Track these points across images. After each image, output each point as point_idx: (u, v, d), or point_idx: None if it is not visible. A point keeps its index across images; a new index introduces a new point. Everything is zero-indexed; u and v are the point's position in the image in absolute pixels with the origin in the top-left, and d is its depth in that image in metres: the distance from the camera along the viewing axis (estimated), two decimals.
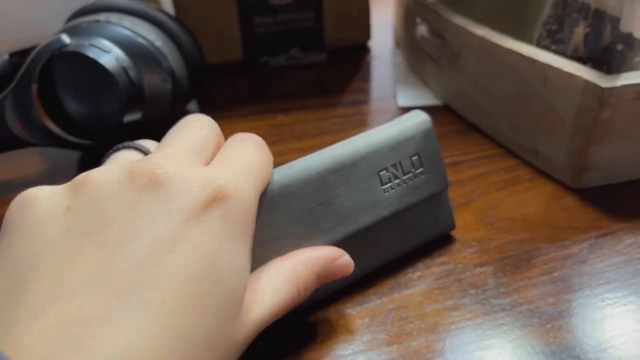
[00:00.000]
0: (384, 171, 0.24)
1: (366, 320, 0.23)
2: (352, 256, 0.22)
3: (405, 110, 0.40)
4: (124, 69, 0.32)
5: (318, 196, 0.22)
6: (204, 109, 0.42)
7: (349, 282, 0.24)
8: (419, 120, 0.25)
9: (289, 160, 0.23)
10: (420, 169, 0.25)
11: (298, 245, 0.22)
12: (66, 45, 0.32)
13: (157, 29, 0.36)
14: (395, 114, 0.40)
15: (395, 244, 0.26)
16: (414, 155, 0.25)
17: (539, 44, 0.32)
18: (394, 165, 0.24)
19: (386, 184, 0.24)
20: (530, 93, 0.31)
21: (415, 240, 0.26)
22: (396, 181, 0.24)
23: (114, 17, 0.34)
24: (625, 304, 0.24)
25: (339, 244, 0.23)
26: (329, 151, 0.23)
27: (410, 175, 0.25)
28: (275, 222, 0.22)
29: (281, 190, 0.22)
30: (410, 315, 0.24)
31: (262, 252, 0.21)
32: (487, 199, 0.30)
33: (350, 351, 0.22)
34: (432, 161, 0.25)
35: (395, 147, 0.24)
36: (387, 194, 0.24)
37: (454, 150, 0.35)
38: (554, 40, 0.31)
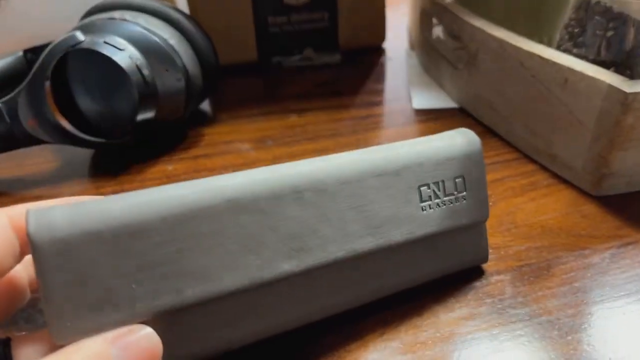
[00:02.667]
0: (425, 187, 0.22)
1: (380, 328, 0.23)
2: (375, 270, 0.21)
3: (420, 112, 0.40)
4: (138, 67, 0.32)
5: (353, 199, 0.21)
6: (217, 109, 0.42)
7: (370, 300, 0.23)
8: (468, 139, 0.24)
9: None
10: (463, 193, 0.23)
11: (322, 247, 0.20)
12: (80, 42, 0.32)
13: (172, 27, 0.35)
14: (409, 116, 0.39)
15: (423, 267, 0.24)
16: (458, 177, 0.23)
17: (559, 47, 0.31)
18: (436, 183, 0.22)
19: (425, 201, 0.22)
20: (549, 97, 0.30)
21: (444, 268, 0.24)
22: (436, 200, 0.22)
23: (128, 15, 0.34)
24: None
25: (365, 254, 0.21)
26: (371, 153, 0.22)
27: (451, 197, 0.23)
28: (301, 217, 0.20)
29: (313, 185, 0.20)
30: (425, 323, 0.23)
31: (278, 247, 0.19)
32: (504, 205, 0.30)
33: (363, 359, 0.22)
34: (477, 187, 0.23)
35: (442, 163, 0.22)
36: (424, 212, 0.22)
37: None
38: (575, 44, 0.30)
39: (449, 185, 0.23)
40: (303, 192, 0.20)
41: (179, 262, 0.18)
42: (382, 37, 0.51)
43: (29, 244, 0.16)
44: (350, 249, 0.21)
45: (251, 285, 0.19)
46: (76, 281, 0.16)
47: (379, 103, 0.42)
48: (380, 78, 0.46)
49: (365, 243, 0.21)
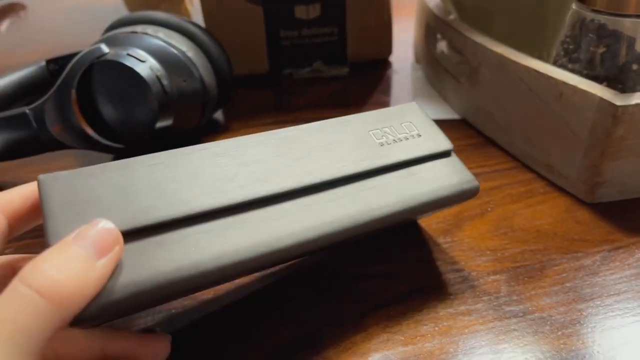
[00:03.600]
0: (377, 131, 0.26)
1: (383, 321, 0.25)
2: (357, 196, 0.23)
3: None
4: (158, 78, 0.34)
5: (318, 143, 0.24)
6: (230, 118, 0.44)
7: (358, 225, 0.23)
8: (405, 103, 0.28)
9: None
10: (415, 131, 0.26)
11: (297, 176, 0.23)
12: (105, 54, 0.34)
13: (190, 41, 0.38)
14: None
15: (405, 192, 0.24)
16: (404, 122, 0.27)
17: (556, 62, 0.33)
18: (385, 127, 0.26)
19: (380, 139, 0.25)
20: (545, 109, 0.32)
21: (430, 193, 0.25)
22: (391, 137, 0.26)
23: (150, 29, 0.36)
24: (634, 315, 0.24)
25: (340, 180, 0.23)
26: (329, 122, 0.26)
27: (405, 134, 0.26)
28: (272, 156, 0.23)
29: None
30: (425, 318, 0.25)
31: (256, 176, 0.22)
32: (502, 211, 0.31)
33: (367, 350, 0.23)
34: (426, 126, 0.27)
35: (385, 114, 0.27)
36: (383, 147, 0.25)
37: (470, 163, 0.36)
38: (570, 59, 0.32)
39: (399, 127, 0.26)
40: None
41: (160, 188, 0.21)
42: (388, 50, 0.53)
43: (16, 221, 0.21)
44: (322, 176, 0.23)
45: (225, 205, 0.21)
46: (70, 205, 0.19)
47: None
48: (387, 90, 0.48)
49: (336, 170, 0.23)
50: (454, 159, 0.27)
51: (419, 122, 0.27)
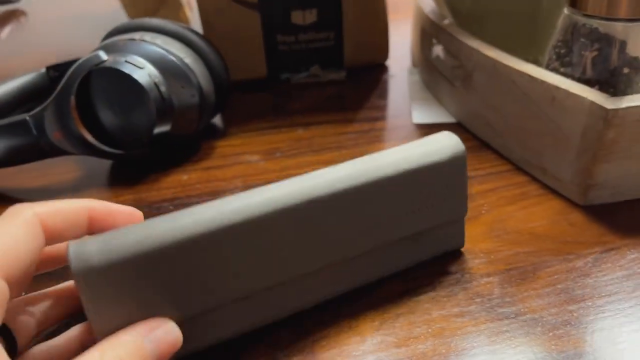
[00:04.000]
0: (415, 196, 0.25)
1: (376, 323, 0.25)
2: (367, 264, 0.25)
3: (420, 127, 0.42)
4: (156, 84, 0.35)
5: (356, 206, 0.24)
6: (228, 123, 0.44)
7: (362, 284, 0.26)
8: (452, 144, 0.26)
9: (307, 172, 0.24)
10: (447, 196, 0.26)
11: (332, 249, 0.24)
12: (104, 61, 0.34)
13: (187, 47, 0.38)
14: (410, 130, 0.42)
15: (407, 257, 0.27)
16: (444, 185, 0.25)
17: (548, 67, 0.33)
18: (425, 193, 0.25)
19: (413, 205, 0.25)
20: (538, 113, 0.32)
21: (425, 256, 0.28)
22: (424, 205, 0.25)
23: (148, 36, 0.37)
24: (625, 316, 0.25)
25: (365, 251, 0.25)
26: (372, 161, 0.24)
27: (437, 199, 0.26)
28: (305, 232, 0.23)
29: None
30: (418, 320, 0.25)
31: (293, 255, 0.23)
32: (496, 213, 0.32)
33: (360, 352, 0.24)
34: (459, 187, 0.26)
35: (429, 168, 0.25)
36: (414, 214, 0.25)
37: None
38: (562, 63, 0.33)
39: (437, 192, 0.25)
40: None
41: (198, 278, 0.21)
42: (385, 55, 0.53)
43: (52, 239, 0.20)
44: (353, 248, 0.24)
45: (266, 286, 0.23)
46: (113, 301, 0.19)
47: (382, 118, 0.45)
48: (383, 94, 0.49)
49: (366, 242, 0.24)
50: (461, 221, 0.28)
51: (454, 185, 0.26)
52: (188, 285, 0.21)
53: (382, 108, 0.46)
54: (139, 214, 0.23)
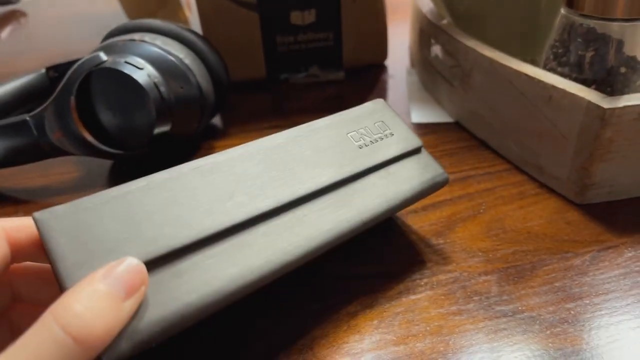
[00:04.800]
0: (354, 132, 0.27)
1: (375, 322, 0.25)
2: (345, 201, 0.25)
3: (418, 126, 0.42)
4: (155, 85, 0.35)
5: (303, 148, 0.26)
6: (228, 123, 0.45)
7: (357, 231, 0.25)
8: (374, 101, 0.30)
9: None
10: (387, 131, 0.28)
11: (291, 187, 0.24)
12: (103, 61, 0.34)
13: (187, 48, 0.38)
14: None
15: (388, 191, 0.26)
16: (377, 122, 0.29)
17: (545, 66, 0.34)
18: (361, 129, 0.28)
19: (358, 141, 0.27)
20: (535, 112, 0.32)
21: (407, 190, 0.27)
22: (368, 139, 0.28)
23: (147, 37, 0.37)
24: (622, 314, 0.25)
25: (330, 187, 0.25)
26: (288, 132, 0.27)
27: (380, 135, 0.28)
28: (263, 169, 0.24)
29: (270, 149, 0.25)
30: (417, 318, 0.25)
31: (250, 192, 0.23)
32: (494, 212, 0.32)
33: (359, 350, 0.24)
34: (396, 125, 0.29)
35: (360, 116, 0.29)
36: (362, 149, 0.27)
37: (464, 166, 0.36)
38: (560, 63, 0.33)
39: (373, 128, 0.28)
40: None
41: (164, 214, 0.21)
42: (384, 55, 0.53)
43: (18, 254, 0.20)
44: (313, 185, 0.24)
45: (231, 225, 0.22)
46: (77, 243, 0.19)
47: None
48: (382, 94, 0.49)
49: (326, 178, 0.25)
50: (424, 154, 0.29)
51: (389, 121, 0.29)
52: (152, 221, 0.20)
53: None
54: None
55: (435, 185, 0.28)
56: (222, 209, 0.22)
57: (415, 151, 0.28)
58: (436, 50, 0.44)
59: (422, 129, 0.42)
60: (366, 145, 0.27)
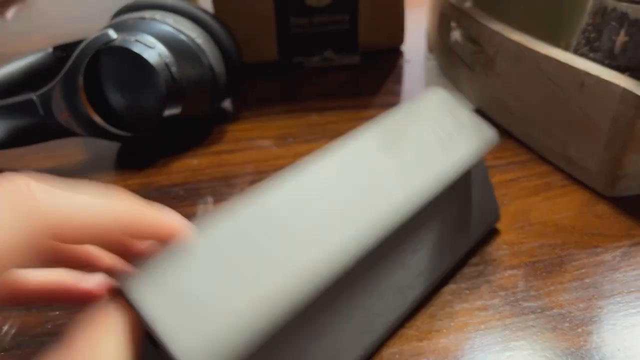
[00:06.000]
0: (433, 131, 0.24)
1: None
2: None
3: None
4: (166, 65, 0.33)
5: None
6: (240, 107, 0.43)
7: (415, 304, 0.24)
8: (434, 92, 0.25)
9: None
10: (459, 123, 0.25)
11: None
12: (113, 40, 0.33)
13: (199, 27, 0.37)
14: None
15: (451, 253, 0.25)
16: (449, 116, 0.24)
17: (576, 52, 0.32)
18: (438, 128, 0.24)
19: (439, 142, 0.23)
20: (565, 99, 0.31)
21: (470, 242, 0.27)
22: (446, 138, 0.24)
23: (158, 15, 0.36)
24: None
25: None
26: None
27: (454, 131, 0.24)
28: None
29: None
30: (440, 313, 0.24)
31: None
32: (519, 204, 0.30)
33: (383, 346, 0.23)
34: (467, 118, 0.25)
35: (429, 109, 0.25)
36: (444, 151, 0.23)
37: (486, 155, 0.35)
38: (592, 48, 0.31)
39: (448, 124, 0.24)
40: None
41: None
42: (400, 39, 0.51)
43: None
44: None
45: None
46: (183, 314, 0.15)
47: (397, 103, 0.43)
48: (399, 80, 0.47)
49: (417, 192, 0.21)
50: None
51: (459, 113, 0.25)
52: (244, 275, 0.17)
53: (397, 93, 0.45)
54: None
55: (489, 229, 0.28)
56: (317, 247, 0.18)
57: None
58: (457, 34, 0.42)
59: None
60: (446, 146, 0.23)
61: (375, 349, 0.22)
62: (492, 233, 0.28)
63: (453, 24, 0.42)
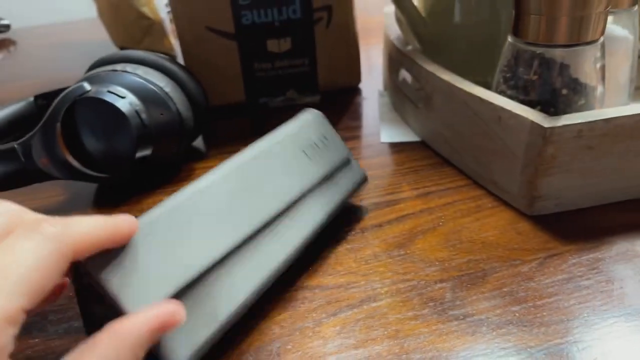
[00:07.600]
0: (305, 147, 0.33)
1: (338, 327, 0.27)
2: (303, 211, 0.30)
3: (388, 145, 0.45)
4: (137, 112, 0.37)
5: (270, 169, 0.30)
6: (210, 145, 0.47)
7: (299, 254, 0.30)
8: (310, 112, 0.36)
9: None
10: (327, 142, 0.34)
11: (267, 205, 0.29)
12: (87, 91, 0.37)
13: (167, 77, 0.41)
14: (379, 149, 0.44)
15: (330, 200, 0.32)
16: (319, 134, 0.34)
17: (497, 89, 0.37)
18: (310, 143, 0.33)
19: (309, 155, 0.33)
20: (488, 131, 0.35)
21: (342, 196, 0.33)
22: (316, 153, 0.33)
23: (129, 67, 0.40)
24: (565, 314, 0.27)
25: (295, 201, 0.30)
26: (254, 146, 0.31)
27: (323, 146, 0.34)
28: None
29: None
30: (376, 324, 0.27)
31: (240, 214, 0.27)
32: (453, 225, 0.34)
33: (322, 354, 0.26)
34: (332, 135, 0.35)
35: (304, 127, 0.34)
36: (312, 161, 0.32)
37: (427, 182, 0.39)
38: (509, 86, 0.36)
39: (317, 141, 0.34)
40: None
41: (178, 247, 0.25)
42: (357, 79, 0.56)
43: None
44: (287, 200, 0.30)
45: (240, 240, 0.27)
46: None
47: (354, 138, 0.47)
48: (356, 116, 0.52)
49: (294, 194, 0.30)
50: (352, 163, 0.36)
51: (327, 132, 0.35)
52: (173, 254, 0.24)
53: (355, 129, 0.49)
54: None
55: (360, 187, 0.36)
56: (221, 237, 0.26)
57: (347, 161, 0.35)
58: (403, 74, 0.47)
59: (391, 147, 0.44)
60: (315, 158, 0.33)
61: (263, 289, 0.27)
62: (426, 252, 0.32)
63: (399, 65, 0.46)
